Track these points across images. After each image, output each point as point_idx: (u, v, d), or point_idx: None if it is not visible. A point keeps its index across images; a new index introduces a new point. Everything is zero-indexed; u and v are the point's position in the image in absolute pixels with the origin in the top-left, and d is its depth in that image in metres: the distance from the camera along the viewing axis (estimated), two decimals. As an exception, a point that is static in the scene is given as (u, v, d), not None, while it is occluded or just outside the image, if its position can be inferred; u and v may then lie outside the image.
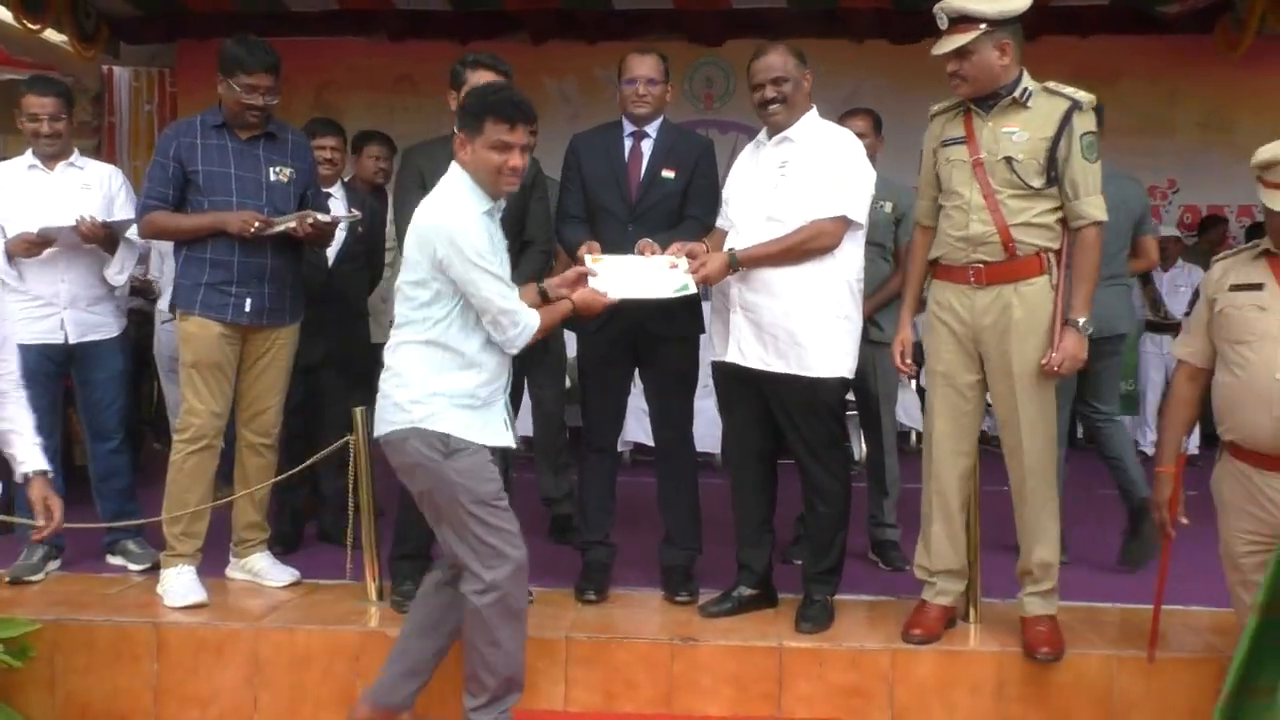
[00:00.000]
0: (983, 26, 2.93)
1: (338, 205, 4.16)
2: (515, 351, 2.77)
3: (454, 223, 2.66)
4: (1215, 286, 2.79)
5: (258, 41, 3.44)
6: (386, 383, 2.78)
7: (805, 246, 3.11)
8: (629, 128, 3.55)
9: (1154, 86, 7.52)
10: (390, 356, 2.79)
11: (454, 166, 2.77)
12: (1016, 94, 3.01)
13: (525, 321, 2.73)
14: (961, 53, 2.96)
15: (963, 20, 2.95)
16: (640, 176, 3.48)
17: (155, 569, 3.66)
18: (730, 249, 3.16)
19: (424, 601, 2.92)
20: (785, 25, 6.74)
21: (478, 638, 2.74)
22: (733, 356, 3.22)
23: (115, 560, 3.79)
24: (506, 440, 2.83)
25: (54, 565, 3.71)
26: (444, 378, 2.71)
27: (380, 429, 2.78)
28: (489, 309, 2.69)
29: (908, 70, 6.83)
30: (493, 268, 2.67)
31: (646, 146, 3.52)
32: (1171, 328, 6.45)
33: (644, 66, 3.50)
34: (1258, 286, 2.69)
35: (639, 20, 6.92)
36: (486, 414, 2.77)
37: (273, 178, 3.50)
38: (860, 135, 3.81)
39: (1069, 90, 3.01)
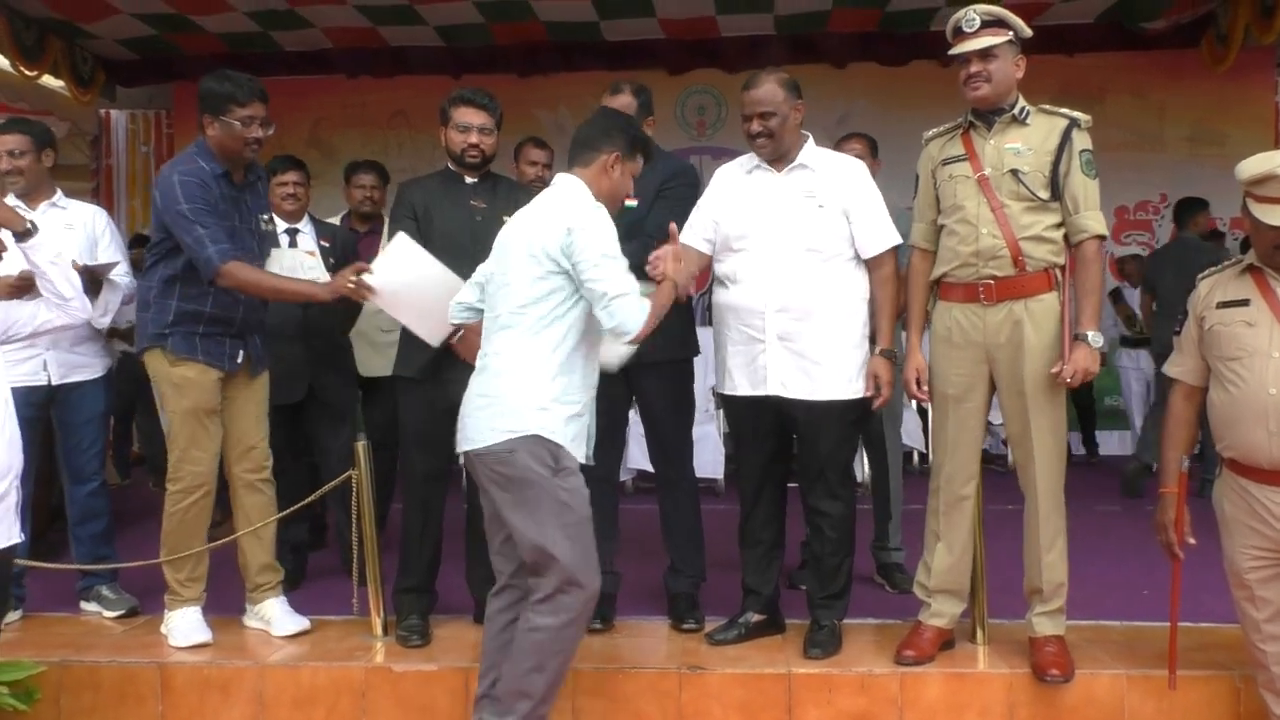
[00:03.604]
0: (1010, 34, 3.02)
1: (306, 240, 4.16)
2: (626, 340, 2.69)
3: (585, 217, 2.68)
4: (1203, 304, 2.81)
5: (237, 73, 3.36)
6: (489, 385, 2.69)
7: (897, 287, 3.23)
8: None
9: (1142, 102, 7.59)
10: (495, 359, 2.71)
11: (570, 179, 2.81)
12: (1016, 112, 3.07)
13: (642, 305, 2.65)
14: (986, 55, 3.01)
15: (996, 24, 3.02)
16: None
17: (132, 614, 3.65)
18: (880, 349, 3.19)
19: (501, 627, 2.84)
20: (773, 51, 6.81)
21: (528, 660, 2.66)
22: (774, 390, 3.17)
23: (89, 607, 3.71)
24: (583, 457, 2.76)
25: (15, 615, 3.57)
26: (558, 382, 2.67)
27: (483, 436, 2.67)
28: (604, 293, 2.62)
29: (895, 93, 6.90)
30: (621, 259, 2.67)
31: None
32: (1145, 342, 6.75)
33: (618, 106, 3.43)
34: (1244, 302, 2.70)
35: (629, 50, 6.99)
36: (583, 426, 2.75)
37: (263, 227, 3.49)
38: (857, 159, 3.86)
39: (1065, 110, 3.08)
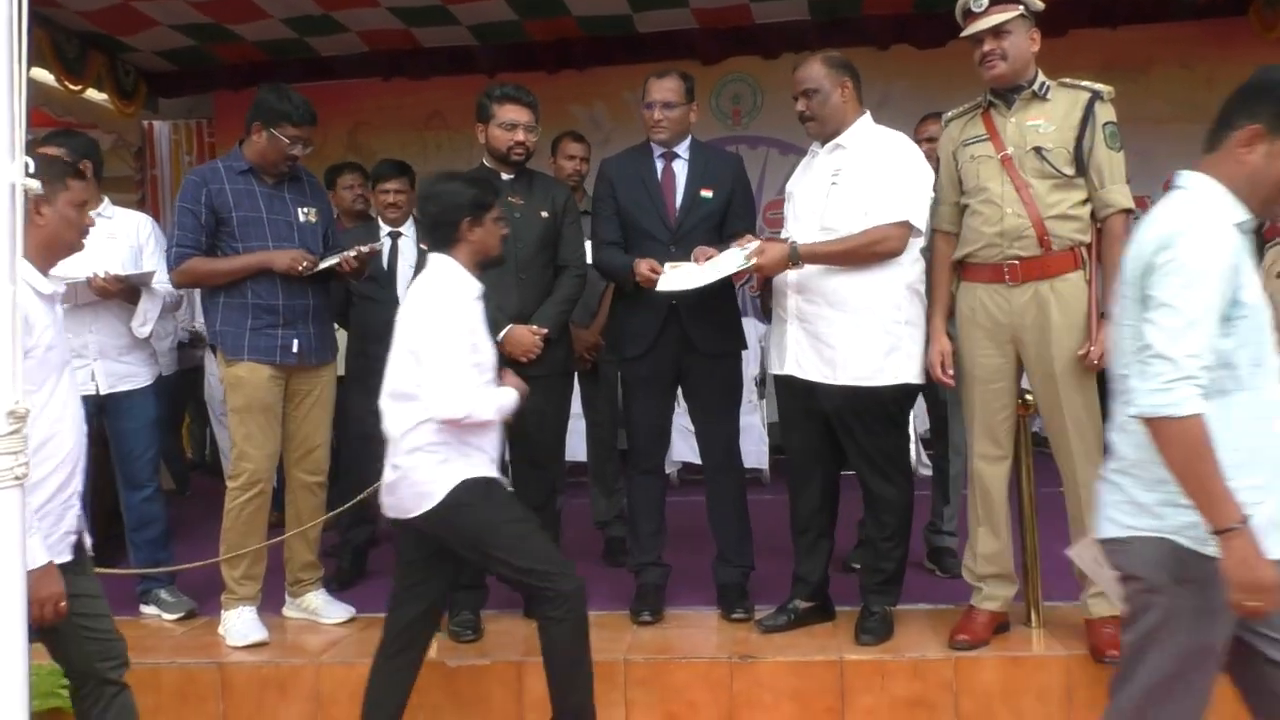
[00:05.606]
0: (1020, 9, 2.97)
1: (408, 243, 4.29)
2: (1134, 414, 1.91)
3: (1183, 230, 1.91)
4: (1268, 274, 2.75)
5: (296, 94, 3.46)
6: (1124, 473, 2.00)
7: (869, 250, 3.07)
8: (658, 150, 3.54)
9: (1189, 73, 7.40)
10: (1120, 436, 2.01)
11: (1196, 177, 2.04)
12: (1036, 88, 3.03)
13: (1179, 398, 1.81)
14: (999, 32, 2.98)
15: (1005, 0, 2.98)
16: (678, 198, 3.48)
17: (190, 616, 3.71)
18: (791, 240, 3.15)
19: None
20: (808, 36, 6.75)
21: None
22: (790, 369, 3.21)
23: (149, 610, 3.78)
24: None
25: None
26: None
27: (1102, 529, 2.04)
28: (1148, 344, 1.85)
29: (934, 74, 6.79)
30: (1202, 305, 1.83)
31: (679, 167, 3.52)
32: None
33: (661, 90, 3.46)
34: None
35: (663, 41, 6.96)
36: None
37: (302, 219, 3.54)
38: (938, 139, 3.81)
39: (1086, 83, 3.02)
